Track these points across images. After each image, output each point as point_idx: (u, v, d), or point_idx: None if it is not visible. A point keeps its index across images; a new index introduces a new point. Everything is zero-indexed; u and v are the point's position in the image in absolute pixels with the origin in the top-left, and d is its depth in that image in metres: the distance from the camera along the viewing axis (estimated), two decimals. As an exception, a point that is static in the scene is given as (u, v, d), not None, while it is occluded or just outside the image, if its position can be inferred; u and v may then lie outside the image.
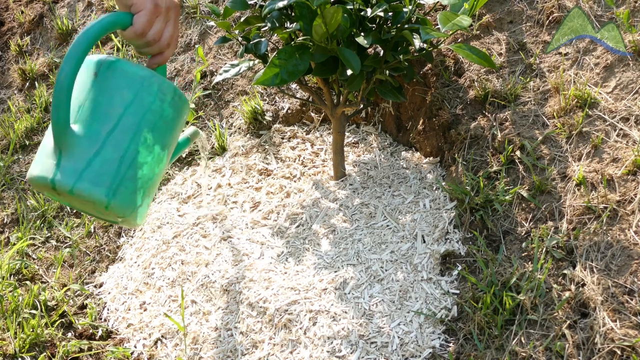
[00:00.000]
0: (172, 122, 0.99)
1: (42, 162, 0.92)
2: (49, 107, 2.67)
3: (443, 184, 1.77)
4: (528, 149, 1.60)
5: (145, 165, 0.94)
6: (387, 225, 1.71)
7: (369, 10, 1.52)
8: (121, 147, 0.91)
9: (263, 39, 1.71)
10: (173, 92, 0.97)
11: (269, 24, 1.62)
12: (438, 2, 1.57)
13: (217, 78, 1.78)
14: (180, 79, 2.50)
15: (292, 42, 1.58)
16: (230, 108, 2.32)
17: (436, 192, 1.78)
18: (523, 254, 1.46)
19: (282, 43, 1.89)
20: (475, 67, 1.86)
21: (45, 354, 1.65)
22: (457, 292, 1.50)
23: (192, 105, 2.37)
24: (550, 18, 1.81)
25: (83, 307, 1.84)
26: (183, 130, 1.15)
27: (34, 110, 2.67)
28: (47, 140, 0.94)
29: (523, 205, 1.54)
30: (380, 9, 1.49)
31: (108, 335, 1.73)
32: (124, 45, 2.71)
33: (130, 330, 1.71)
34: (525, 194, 1.54)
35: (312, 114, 2.21)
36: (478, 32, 1.93)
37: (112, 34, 2.79)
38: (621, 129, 1.49)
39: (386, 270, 1.60)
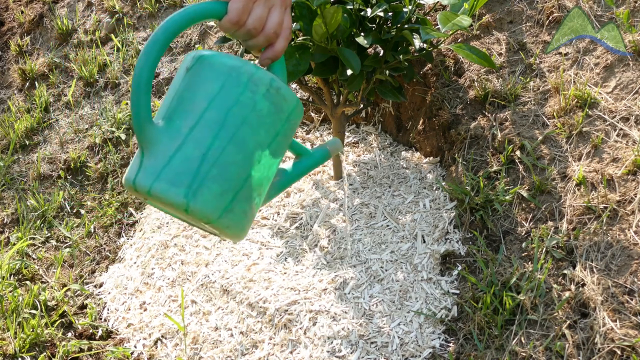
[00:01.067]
0: (269, 118, 0.85)
1: (131, 165, 0.84)
2: (49, 107, 2.67)
3: (443, 184, 1.77)
4: (528, 149, 1.60)
5: (233, 165, 0.83)
6: (387, 225, 1.71)
7: (369, 10, 1.52)
8: (204, 144, 0.81)
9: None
10: (268, 83, 0.84)
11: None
12: (438, 2, 1.57)
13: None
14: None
15: (292, 42, 1.58)
16: (230, 108, 2.32)
17: (436, 192, 1.78)
18: (523, 254, 1.46)
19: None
20: (475, 67, 1.86)
21: (45, 354, 1.65)
22: (457, 292, 1.50)
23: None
24: (550, 18, 1.81)
25: (83, 307, 1.84)
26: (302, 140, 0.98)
27: (34, 110, 2.67)
28: None
29: (523, 205, 1.54)
30: (380, 9, 1.49)
31: (108, 335, 1.73)
32: (124, 45, 2.71)
33: (130, 330, 1.71)
34: (525, 194, 1.54)
35: (312, 114, 2.21)
36: (478, 32, 1.93)
37: (111, 33, 2.79)
38: (621, 129, 1.49)
39: (386, 270, 1.60)
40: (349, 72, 1.56)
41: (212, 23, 2.55)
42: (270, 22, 0.84)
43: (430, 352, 1.41)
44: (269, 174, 0.88)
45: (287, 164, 0.97)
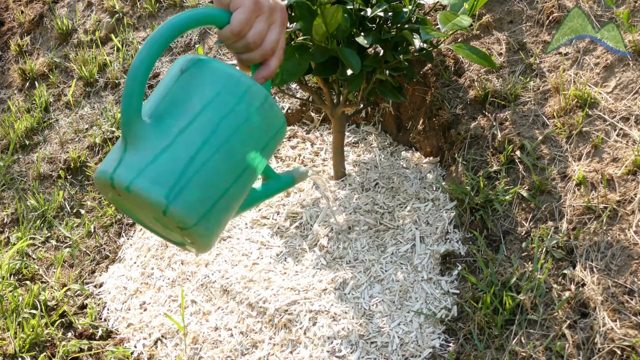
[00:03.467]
0: (259, 132, 0.84)
1: (107, 159, 0.82)
2: (49, 107, 2.67)
3: (443, 184, 1.77)
4: (528, 148, 1.60)
5: (218, 173, 0.81)
6: (387, 226, 1.71)
7: (369, 10, 1.52)
8: (193, 147, 0.79)
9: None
10: (263, 98, 0.84)
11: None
12: (438, 2, 1.56)
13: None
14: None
15: (292, 42, 1.58)
16: (230, 108, 2.32)
17: (436, 192, 1.78)
18: (523, 254, 1.46)
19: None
20: (475, 67, 1.86)
21: (45, 354, 1.65)
22: (457, 292, 1.50)
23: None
24: (550, 18, 1.81)
25: (83, 307, 1.84)
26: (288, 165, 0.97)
27: (34, 110, 2.67)
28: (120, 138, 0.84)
29: (523, 205, 1.54)
30: (380, 9, 1.49)
31: (108, 335, 1.73)
32: (124, 45, 2.71)
33: (130, 330, 1.71)
34: (525, 194, 1.54)
35: (312, 114, 2.21)
36: (478, 32, 1.93)
37: (111, 33, 2.79)
38: (621, 128, 1.49)
39: (386, 271, 1.60)
40: (349, 72, 1.56)
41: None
42: (268, 38, 0.84)
43: (430, 352, 1.41)
44: (246, 187, 0.87)
45: (256, 184, 0.95)
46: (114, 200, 0.84)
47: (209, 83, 0.83)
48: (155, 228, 0.89)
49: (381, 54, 1.62)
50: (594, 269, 1.32)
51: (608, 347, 1.19)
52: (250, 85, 0.83)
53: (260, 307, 1.60)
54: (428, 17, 1.75)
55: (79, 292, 1.87)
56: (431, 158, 1.90)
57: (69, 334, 1.74)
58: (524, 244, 1.47)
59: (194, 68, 0.83)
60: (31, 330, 1.69)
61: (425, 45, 1.64)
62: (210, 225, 0.82)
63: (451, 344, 1.41)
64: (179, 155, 0.79)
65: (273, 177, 0.96)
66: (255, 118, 0.83)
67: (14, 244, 2.04)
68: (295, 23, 1.58)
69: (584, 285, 1.31)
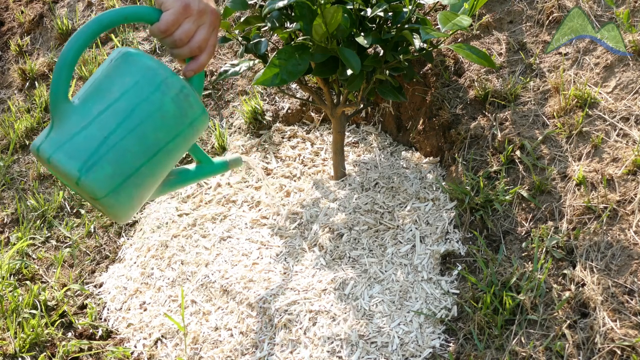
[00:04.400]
0: (173, 120, 0.95)
1: (40, 135, 0.94)
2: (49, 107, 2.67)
3: (443, 184, 1.77)
4: (528, 148, 1.60)
5: (129, 153, 0.92)
6: (387, 225, 1.71)
7: (369, 10, 1.52)
8: (107, 128, 0.91)
9: (263, 39, 1.71)
10: (179, 89, 0.94)
11: (268, 24, 1.62)
12: (438, 2, 1.56)
13: (218, 77, 1.78)
14: (180, 79, 2.50)
15: (292, 42, 1.58)
16: (230, 108, 2.32)
17: (436, 192, 1.78)
18: (523, 254, 1.46)
19: (282, 43, 1.89)
20: (475, 67, 1.86)
21: (45, 354, 1.65)
22: (457, 292, 1.50)
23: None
24: (550, 18, 1.81)
25: (83, 307, 1.84)
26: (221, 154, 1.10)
27: (34, 110, 2.67)
28: None
29: (523, 205, 1.54)
30: (381, 9, 1.49)
31: (108, 335, 1.73)
32: (124, 44, 2.71)
33: (130, 330, 1.71)
34: (525, 194, 1.54)
35: (312, 114, 2.21)
36: (478, 32, 1.93)
37: (111, 34, 2.79)
38: (621, 128, 1.49)
39: (386, 271, 1.60)
40: (349, 72, 1.56)
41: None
42: (196, 37, 0.94)
43: (430, 352, 1.41)
44: (162, 169, 0.99)
45: (190, 165, 1.10)
46: (50, 170, 0.96)
47: (130, 73, 0.93)
48: (85, 198, 1.01)
49: (381, 54, 1.62)
50: (594, 269, 1.32)
51: (608, 347, 1.20)
52: (167, 76, 0.94)
53: (260, 307, 1.60)
54: (428, 17, 1.75)
55: (79, 292, 1.87)
56: (431, 158, 1.90)
57: (69, 334, 1.74)
58: (524, 244, 1.47)
59: (121, 59, 0.94)
60: (31, 330, 1.69)
61: (425, 45, 1.64)
62: (121, 198, 0.94)
63: (451, 344, 1.41)
64: (94, 135, 0.90)
65: (206, 161, 1.12)
66: (170, 107, 0.94)
67: (14, 244, 2.04)
68: (295, 23, 1.58)
69: (584, 285, 1.31)
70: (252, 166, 1.29)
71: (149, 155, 0.95)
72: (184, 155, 1.09)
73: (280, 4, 1.49)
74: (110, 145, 0.91)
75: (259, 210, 1.91)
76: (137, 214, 2.11)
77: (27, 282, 1.90)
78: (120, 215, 0.97)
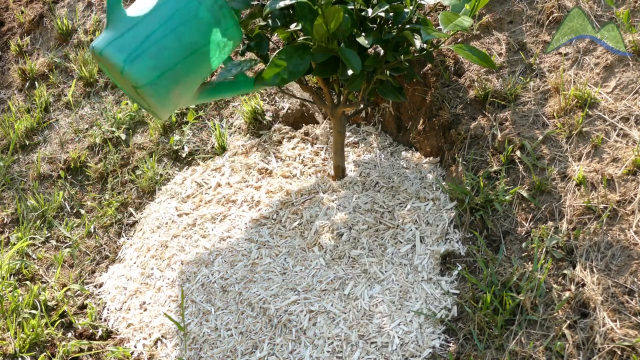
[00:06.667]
0: (208, 27, 1.18)
1: (98, 37, 1.18)
2: (49, 107, 2.67)
3: (443, 184, 1.77)
4: (528, 149, 1.60)
5: (168, 49, 1.15)
6: (387, 225, 1.71)
7: (370, 11, 1.52)
8: (150, 28, 1.13)
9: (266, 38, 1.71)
10: (214, 0, 1.18)
11: (270, 23, 1.62)
12: (439, 2, 1.57)
13: (218, 77, 1.77)
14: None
15: (293, 42, 1.58)
16: (230, 108, 2.32)
17: (436, 192, 1.78)
18: (523, 254, 1.46)
19: (283, 43, 1.89)
20: (475, 67, 1.87)
21: (45, 354, 1.65)
22: (457, 292, 1.51)
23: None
24: (550, 18, 1.81)
25: (83, 307, 1.84)
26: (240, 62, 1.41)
27: (34, 110, 2.67)
28: None
29: (523, 205, 1.54)
30: (382, 9, 1.49)
31: (108, 335, 1.73)
32: None
33: (130, 330, 1.71)
34: (525, 194, 1.54)
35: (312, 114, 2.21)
36: (478, 32, 1.93)
37: None
38: (621, 129, 1.50)
39: (386, 271, 1.60)
40: (350, 72, 1.56)
41: None
42: None
43: (430, 352, 1.41)
44: (196, 71, 1.23)
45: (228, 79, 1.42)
46: (103, 68, 1.22)
47: None
48: (131, 94, 1.24)
49: (382, 54, 1.62)
50: (594, 269, 1.32)
51: (608, 347, 1.20)
52: None
53: (260, 307, 1.60)
54: (429, 18, 1.75)
55: (79, 292, 1.87)
56: (431, 158, 1.90)
57: (69, 334, 1.74)
58: (524, 244, 1.47)
59: None
60: (31, 330, 1.69)
61: (425, 45, 1.64)
62: (159, 89, 1.18)
63: (451, 344, 1.41)
64: (139, 33, 1.14)
65: (243, 78, 1.43)
66: (205, 14, 1.19)
67: (14, 244, 2.04)
68: (296, 23, 1.58)
69: (584, 285, 1.31)
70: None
71: (185, 54, 1.17)
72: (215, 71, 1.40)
73: (282, 4, 1.49)
74: (152, 42, 1.13)
75: (259, 210, 1.91)
76: (136, 214, 2.11)
77: (27, 282, 1.90)
78: (158, 107, 1.18)
